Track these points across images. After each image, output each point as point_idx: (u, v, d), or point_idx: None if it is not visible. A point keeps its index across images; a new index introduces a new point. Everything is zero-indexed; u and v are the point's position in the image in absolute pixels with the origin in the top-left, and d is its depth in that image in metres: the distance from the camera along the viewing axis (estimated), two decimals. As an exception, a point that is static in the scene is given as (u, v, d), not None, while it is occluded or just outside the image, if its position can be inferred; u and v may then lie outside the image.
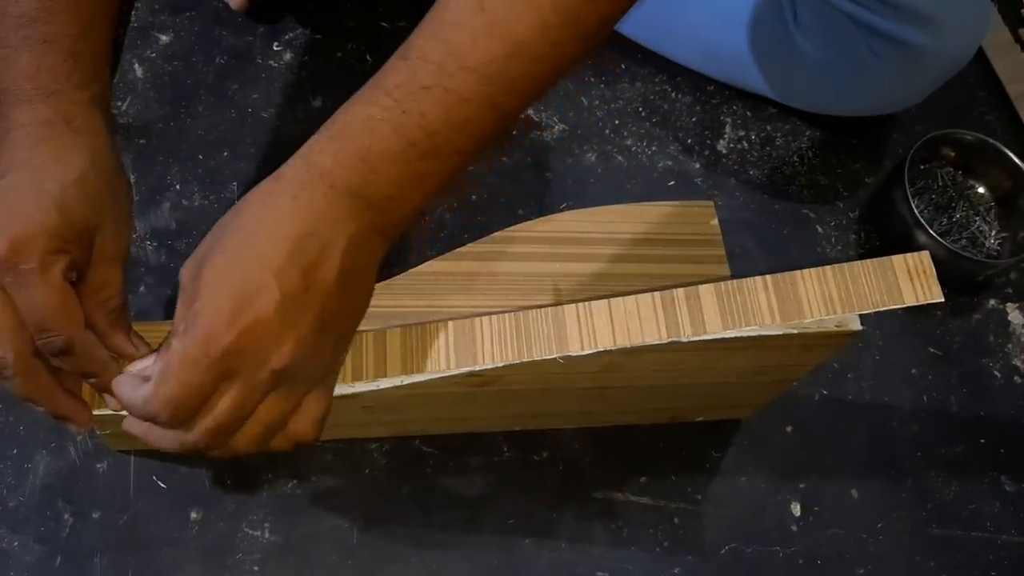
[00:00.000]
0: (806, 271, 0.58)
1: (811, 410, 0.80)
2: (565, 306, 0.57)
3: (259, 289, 0.45)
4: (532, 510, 0.72)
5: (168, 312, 0.75)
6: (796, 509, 0.76)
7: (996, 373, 0.84)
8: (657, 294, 0.57)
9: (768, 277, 0.57)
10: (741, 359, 0.62)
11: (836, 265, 0.58)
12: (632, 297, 0.57)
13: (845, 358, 0.82)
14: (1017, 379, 0.84)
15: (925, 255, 0.58)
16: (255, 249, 0.46)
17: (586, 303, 0.57)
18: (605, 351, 0.55)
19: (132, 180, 0.79)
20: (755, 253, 0.86)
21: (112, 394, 0.51)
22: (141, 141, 0.82)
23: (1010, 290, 0.88)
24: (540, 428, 0.75)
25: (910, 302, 0.57)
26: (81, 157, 0.51)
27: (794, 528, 0.75)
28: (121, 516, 0.68)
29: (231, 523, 0.69)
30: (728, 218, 0.85)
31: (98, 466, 0.69)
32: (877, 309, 0.57)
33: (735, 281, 0.57)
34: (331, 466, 0.71)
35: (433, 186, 0.49)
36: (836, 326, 0.57)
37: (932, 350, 0.84)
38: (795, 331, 0.57)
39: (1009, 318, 0.87)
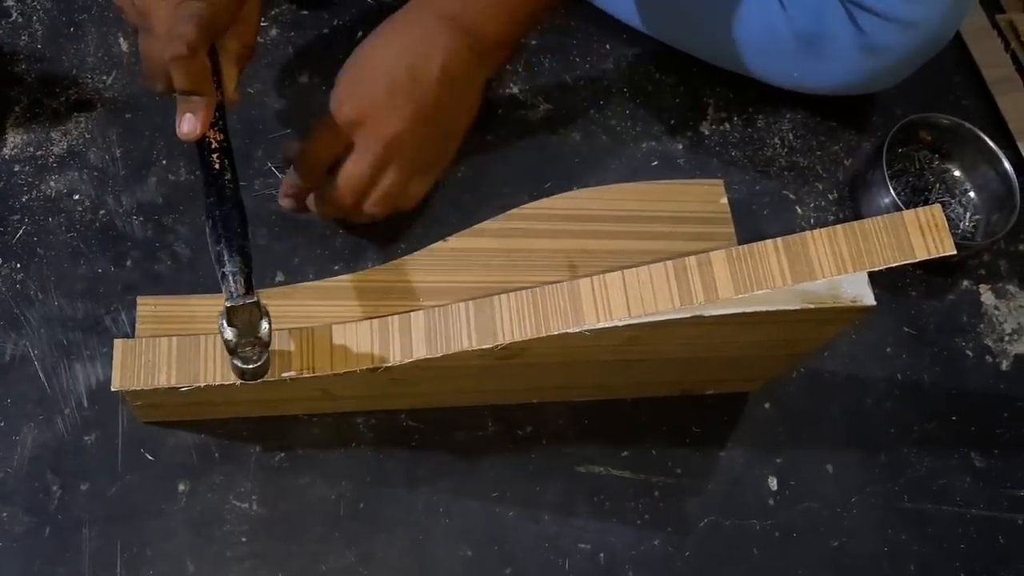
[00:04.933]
0: (816, 231, 0.57)
1: (788, 387, 0.81)
2: (580, 280, 0.58)
3: (372, 79, 0.65)
4: (516, 483, 0.74)
5: (155, 285, 0.75)
6: (773, 483, 0.78)
7: (968, 352, 0.86)
8: (670, 263, 0.57)
9: (779, 240, 0.57)
10: (759, 333, 0.62)
11: (847, 224, 0.58)
12: (645, 268, 0.57)
13: (822, 337, 0.84)
14: (988, 358, 0.86)
15: (937, 208, 0.57)
16: (372, 54, 0.65)
17: (600, 276, 0.57)
18: (628, 325, 0.56)
19: (118, 155, 0.80)
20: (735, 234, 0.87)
21: None
22: (127, 116, 0.81)
23: (983, 272, 0.90)
24: (558, 400, 0.76)
25: (922, 256, 0.57)
26: None
27: (771, 502, 0.77)
28: (109, 488, 0.68)
29: (219, 495, 0.69)
30: (710, 198, 0.86)
31: (86, 439, 0.70)
32: (888, 265, 0.57)
33: (746, 246, 0.57)
34: (318, 439, 0.72)
35: (522, 13, 0.65)
36: (851, 301, 0.57)
37: (907, 329, 0.86)
38: (811, 306, 0.57)
39: (982, 299, 0.89)
